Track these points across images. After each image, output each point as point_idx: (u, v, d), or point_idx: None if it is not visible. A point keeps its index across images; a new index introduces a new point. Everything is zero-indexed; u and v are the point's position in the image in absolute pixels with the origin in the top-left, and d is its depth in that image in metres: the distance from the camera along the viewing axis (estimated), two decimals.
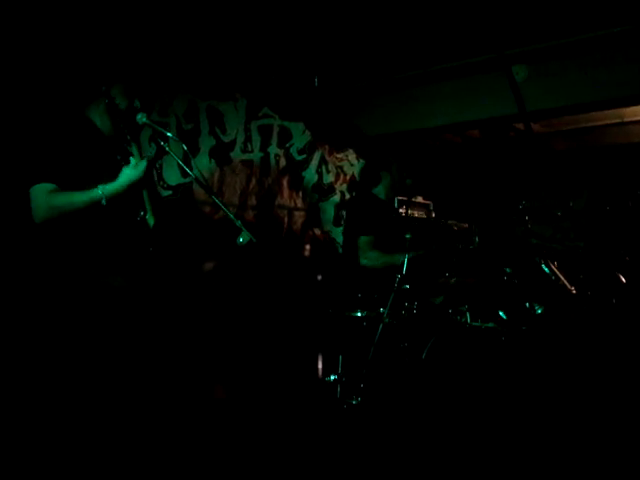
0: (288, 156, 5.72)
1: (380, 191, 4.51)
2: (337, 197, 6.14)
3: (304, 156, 5.85)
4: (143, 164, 2.71)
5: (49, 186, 2.64)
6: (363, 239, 4.23)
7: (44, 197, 2.64)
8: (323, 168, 6.02)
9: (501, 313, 3.99)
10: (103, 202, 2.62)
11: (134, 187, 2.72)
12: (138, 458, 2.77)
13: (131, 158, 2.74)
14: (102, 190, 2.62)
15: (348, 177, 6.25)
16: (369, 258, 4.18)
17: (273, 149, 5.58)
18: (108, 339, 2.70)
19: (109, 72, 2.93)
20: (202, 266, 4.60)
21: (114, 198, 2.66)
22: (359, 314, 3.92)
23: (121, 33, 4.08)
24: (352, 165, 6.29)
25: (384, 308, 3.76)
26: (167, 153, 3.01)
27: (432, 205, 5.56)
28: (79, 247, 2.72)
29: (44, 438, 2.65)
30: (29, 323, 2.76)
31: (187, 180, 4.72)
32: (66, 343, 2.66)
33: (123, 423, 2.72)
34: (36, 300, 2.73)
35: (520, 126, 6.04)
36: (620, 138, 6.66)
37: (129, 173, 2.68)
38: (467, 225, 4.69)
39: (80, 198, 2.63)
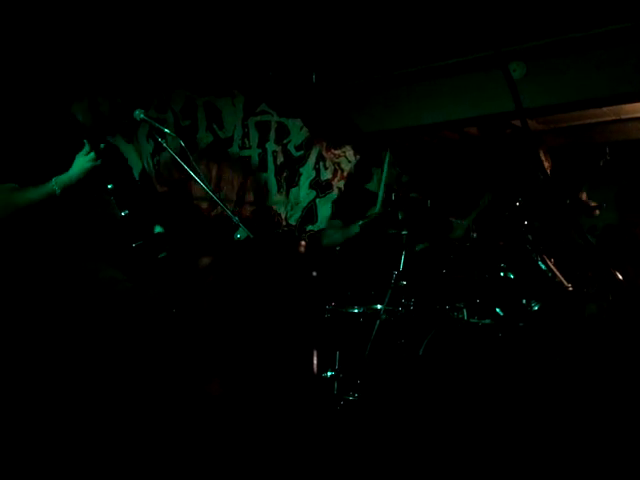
0: (286, 152, 5.72)
1: (373, 186, 4.55)
2: (334, 193, 6.13)
3: (302, 152, 5.85)
4: (92, 155, 2.73)
5: (9, 185, 2.74)
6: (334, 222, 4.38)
7: (3, 196, 2.75)
8: (321, 165, 6.02)
9: (498, 310, 3.99)
10: (57, 192, 2.70)
11: (88, 175, 2.75)
12: (133, 454, 2.77)
13: (85, 142, 2.74)
14: (55, 181, 2.70)
15: (345, 173, 6.25)
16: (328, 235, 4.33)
17: (271, 145, 5.58)
18: (101, 335, 2.71)
19: (92, 76, 3.01)
20: (199, 262, 4.60)
21: (69, 188, 2.72)
22: (356, 310, 3.93)
23: (118, 31, 4.08)
24: (349, 162, 6.29)
25: (381, 304, 3.77)
26: (165, 149, 3.03)
27: (429, 202, 5.56)
28: (68, 241, 2.78)
29: (34, 438, 2.67)
30: (21, 321, 2.78)
31: (184, 176, 4.72)
32: (57, 339, 2.68)
33: (117, 418, 2.73)
34: (27, 295, 2.77)
35: (517, 123, 6.04)
36: (617, 135, 6.66)
37: (81, 161, 2.73)
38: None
39: (34, 193, 2.72)
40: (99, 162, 2.74)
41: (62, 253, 2.79)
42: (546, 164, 4.93)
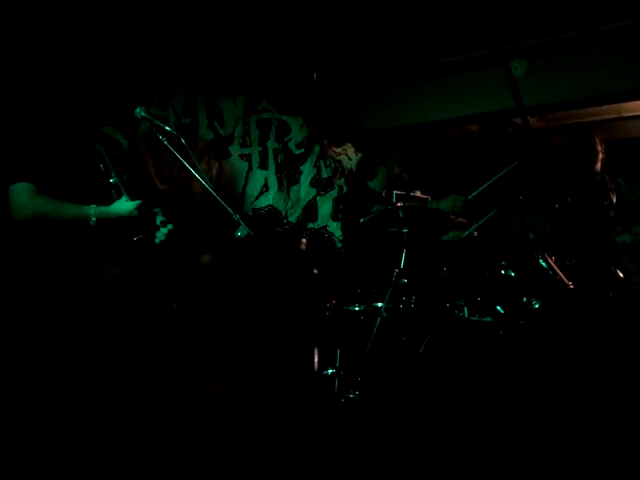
0: (286, 150, 5.71)
1: (376, 184, 4.54)
2: (335, 192, 6.13)
3: (302, 150, 5.85)
4: (133, 205, 2.74)
5: (30, 186, 2.69)
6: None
7: (27, 197, 2.69)
8: (321, 163, 6.01)
9: (499, 308, 3.99)
10: (92, 221, 2.70)
11: (124, 219, 2.77)
12: (134, 451, 2.78)
13: (123, 190, 2.76)
14: (94, 211, 2.69)
15: (346, 171, 6.24)
16: None
17: (271, 143, 5.58)
18: (103, 332, 2.72)
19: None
20: (200, 259, 4.60)
21: (102, 221, 2.73)
22: (357, 308, 3.92)
23: (120, 28, 4.08)
24: (350, 159, 6.29)
25: (382, 302, 3.77)
26: (165, 147, 3.02)
27: (430, 200, 5.56)
28: (71, 242, 2.77)
29: (38, 435, 2.67)
30: (24, 317, 2.78)
31: (185, 174, 4.71)
32: (61, 336, 2.68)
33: (119, 416, 2.73)
34: (31, 295, 2.76)
35: (518, 121, 6.04)
36: (618, 133, 6.66)
37: (125, 206, 2.74)
38: (465, 220, 4.69)
39: (71, 210, 2.70)
40: (136, 214, 2.76)
41: (66, 252, 2.78)
42: (601, 155, 4.90)
